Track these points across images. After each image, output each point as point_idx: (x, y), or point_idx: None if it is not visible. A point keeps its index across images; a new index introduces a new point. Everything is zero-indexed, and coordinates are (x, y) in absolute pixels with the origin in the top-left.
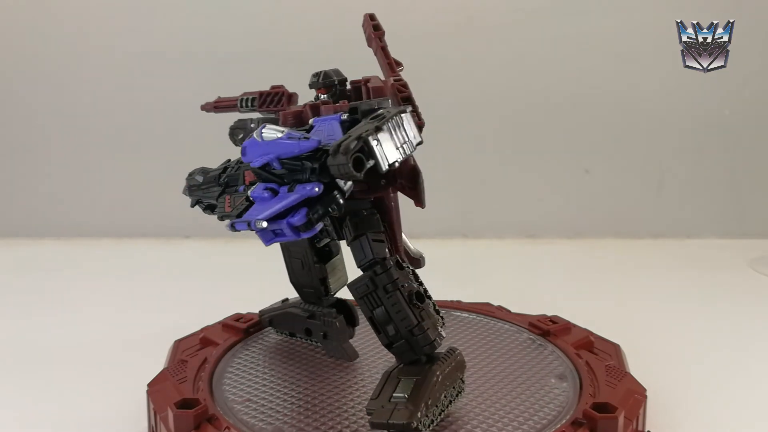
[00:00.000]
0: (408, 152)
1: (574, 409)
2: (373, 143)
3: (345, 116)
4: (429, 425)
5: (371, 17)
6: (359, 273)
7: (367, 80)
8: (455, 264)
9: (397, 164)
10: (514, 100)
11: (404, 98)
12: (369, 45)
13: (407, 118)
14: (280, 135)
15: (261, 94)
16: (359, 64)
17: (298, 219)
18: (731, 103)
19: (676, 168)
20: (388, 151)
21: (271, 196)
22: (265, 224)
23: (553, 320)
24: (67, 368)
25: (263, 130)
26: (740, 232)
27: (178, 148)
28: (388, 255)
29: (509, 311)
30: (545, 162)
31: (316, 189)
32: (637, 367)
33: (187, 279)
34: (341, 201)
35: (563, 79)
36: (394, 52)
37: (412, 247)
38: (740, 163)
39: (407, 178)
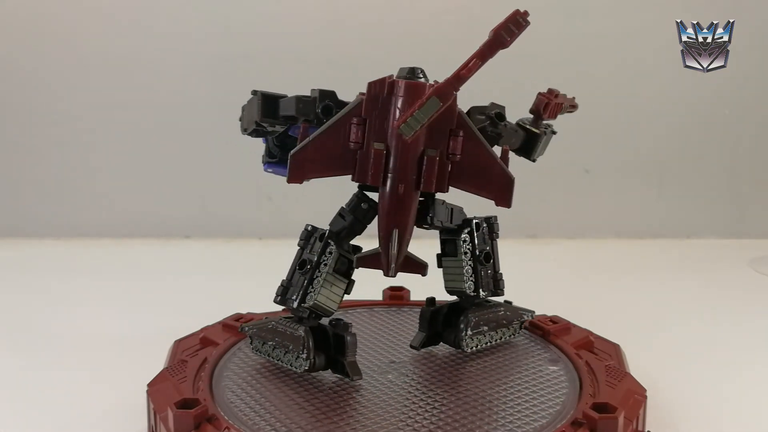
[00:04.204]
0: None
1: (574, 409)
2: (243, 112)
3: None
4: (252, 346)
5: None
6: None
7: None
8: None
9: (248, 130)
10: (513, 99)
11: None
12: None
13: (251, 102)
14: None
15: None
16: (363, 65)
17: None
18: (731, 103)
19: (676, 168)
20: (246, 118)
21: None
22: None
23: (553, 320)
24: (66, 368)
25: None
26: (740, 232)
27: (179, 148)
28: (334, 227)
29: None
30: (545, 162)
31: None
32: (637, 367)
33: (187, 279)
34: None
35: (563, 78)
36: (397, 51)
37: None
38: (740, 163)
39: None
